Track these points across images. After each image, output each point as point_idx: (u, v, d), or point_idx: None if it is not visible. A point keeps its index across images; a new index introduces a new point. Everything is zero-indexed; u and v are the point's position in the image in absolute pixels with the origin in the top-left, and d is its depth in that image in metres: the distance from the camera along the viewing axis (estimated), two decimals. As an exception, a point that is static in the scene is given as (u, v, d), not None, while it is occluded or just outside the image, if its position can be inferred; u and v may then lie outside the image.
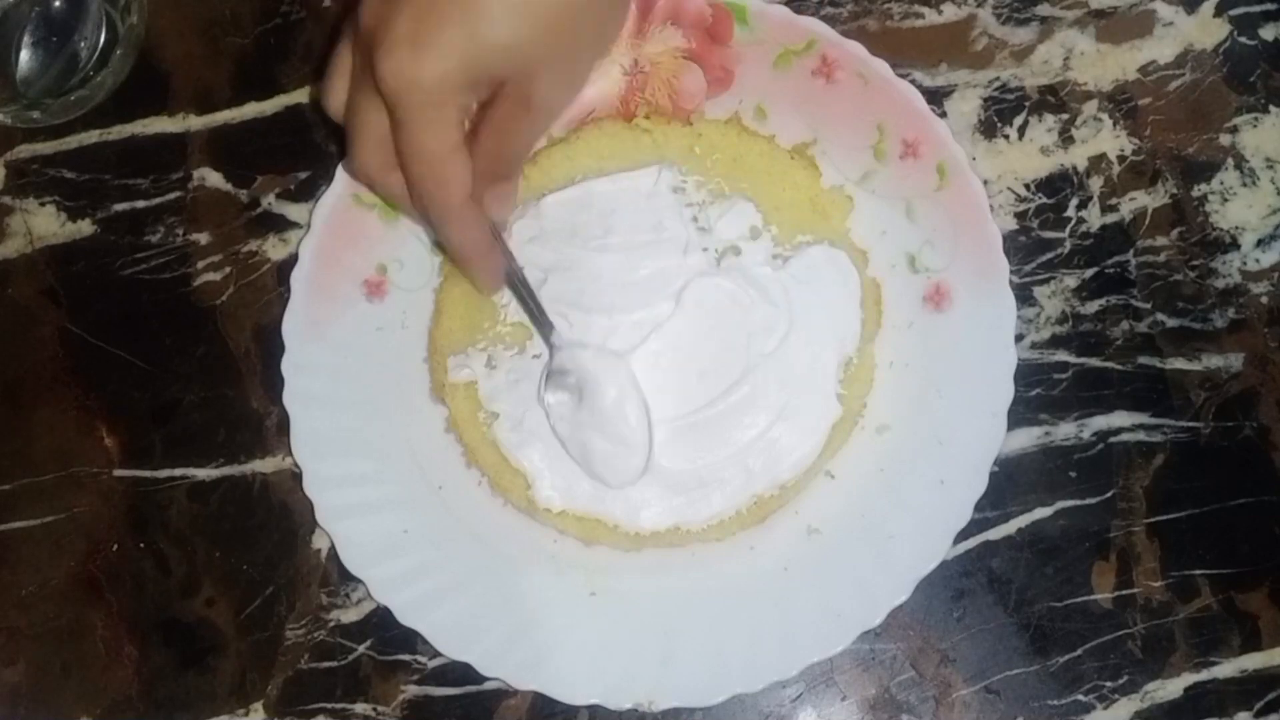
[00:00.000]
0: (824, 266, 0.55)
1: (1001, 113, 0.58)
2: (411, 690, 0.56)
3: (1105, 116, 0.58)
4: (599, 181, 0.55)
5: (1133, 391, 0.57)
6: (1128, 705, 0.55)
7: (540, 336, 0.54)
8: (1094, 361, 0.57)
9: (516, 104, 0.46)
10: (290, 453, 0.54)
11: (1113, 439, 0.57)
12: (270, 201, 0.59)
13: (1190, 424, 0.57)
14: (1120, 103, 0.58)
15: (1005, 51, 0.59)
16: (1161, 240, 0.58)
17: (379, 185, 0.48)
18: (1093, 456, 0.56)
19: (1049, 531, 0.56)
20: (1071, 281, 0.58)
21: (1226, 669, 0.55)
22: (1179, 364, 0.57)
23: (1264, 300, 0.57)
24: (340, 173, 0.54)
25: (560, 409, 0.54)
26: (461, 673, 0.53)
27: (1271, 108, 0.58)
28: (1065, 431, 0.57)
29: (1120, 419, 0.57)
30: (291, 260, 0.55)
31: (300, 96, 0.59)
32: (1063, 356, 0.57)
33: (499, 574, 0.54)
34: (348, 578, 0.55)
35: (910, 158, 0.55)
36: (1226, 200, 0.58)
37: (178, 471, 0.58)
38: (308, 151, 0.59)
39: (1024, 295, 0.57)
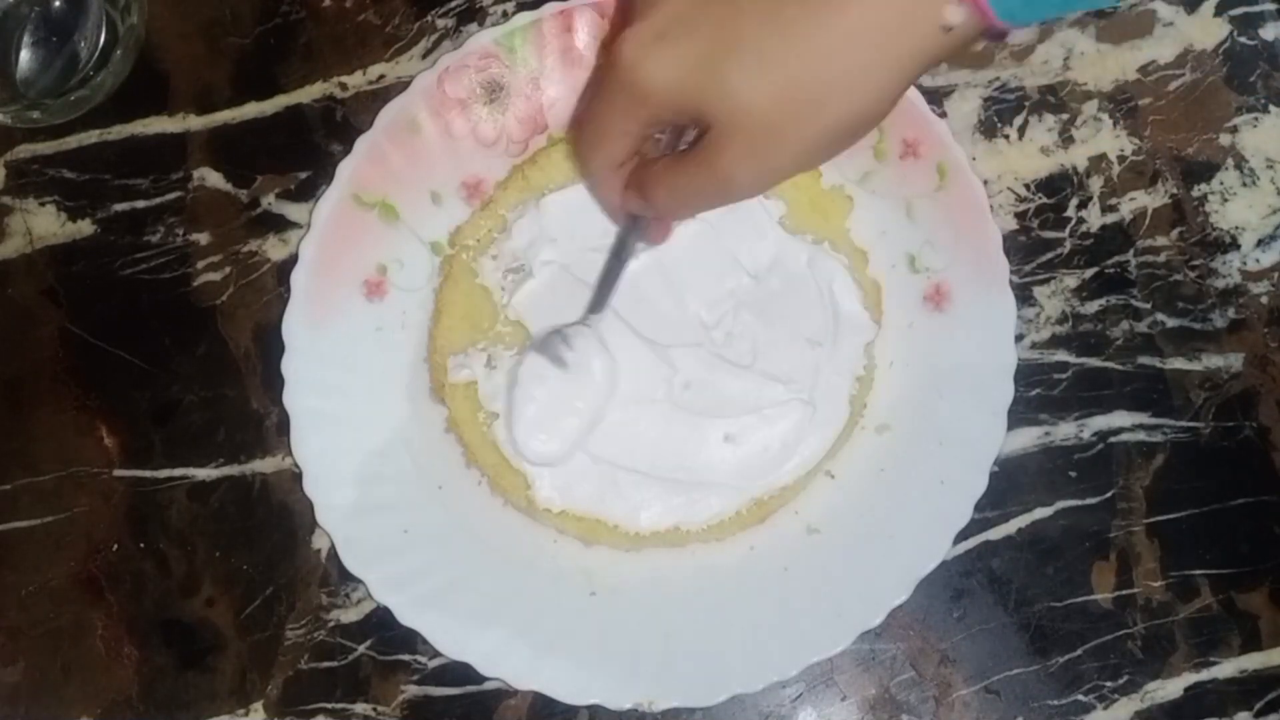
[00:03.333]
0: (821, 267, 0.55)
1: (1001, 113, 0.58)
2: (411, 690, 0.56)
3: (1105, 116, 0.58)
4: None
5: (1133, 391, 0.57)
6: (1128, 705, 0.55)
7: (589, 305, 0.53)
8: (1094, 361, 0.57)
9: (704, 163, 0.43)
10: (290, 453, 0.54)
11: (1113, 439, 0.57)
12: (270, 201, 0.59)
13: (1190, 424, 0.57)
14: (1120, 103, 0.58)
15: (1005, 51, 0.59)
16: (1161, 240, 0.58)
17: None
18: (1093, 456, 0.57)
19: (1049, 531, 0.56)
20: (1071, 281, 0.58)
21: (1226, 669, 0.55)
22: (1179, 364, 0.57)
23: (1264, 300, 0.57)
24: (340, 172, 0.54)
25: (539, 367, 0.53)
26: (461, 673, 0.53)
27: (1271, 108, 0.58)
28: (1065, 431, 0.57)
29: (1120, 419, 0.57)
30: (291, 260, 0.55)
31: (300, 96, 0.59)
32: (1063, 356, 0.57)
33: (499, 574, 0.54)
34: (348, 578, 0.55)
35: (910, 158, 0.55)
36: (1226, 200, 0.58)
37: (178, 471, 0.58)
38: (308, 151, 0.59)
39: (1024, 295, 0.57)
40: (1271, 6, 0.59)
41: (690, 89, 0.42)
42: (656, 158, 0.47)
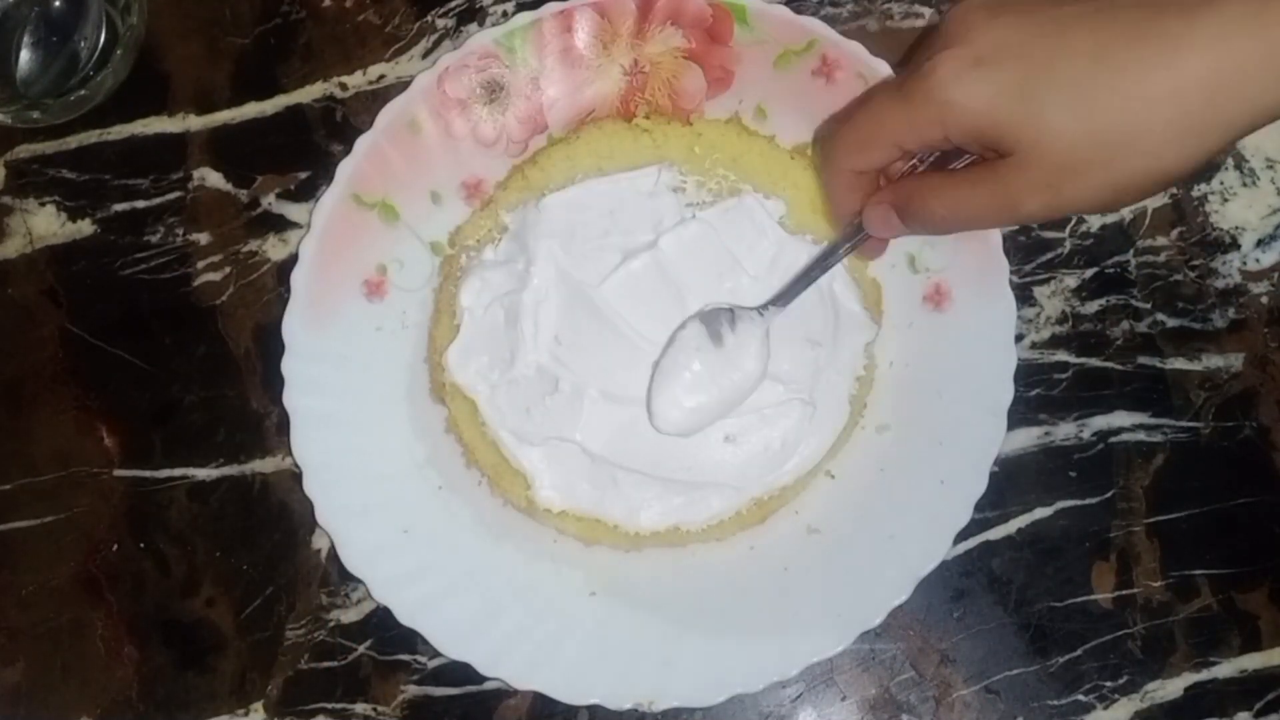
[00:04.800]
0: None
1: (1001, 113, 0.58)
2: (411, 690, 0.56)
3: (1105, 116, 0.58)
4: (599, 181, 0.55)
5: (1133, 391, 0.57)
6: (1128, 705, 0.55)
7: (773, 297, 0.53)
8: (1094, 361, 0.57)
9: (995, 186, 0.43)
10: (290, 453, 0.54)
11: (1113, 439, 0.57)
12: (270, 201, 0.59)
13: (1190, 424, 0.57)
14: (1120, 103, 0.58)
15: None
16: (1161, 240, 0.58)
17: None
18: (1093, 456, 0.57)
19: (1049, 531, 0.56)
20: (1071, 281, 0.58)
21: (1226, 669, 0.55)
22: (1179, 364, 0.57)
23: (1264, 300, 0.57)
24: (340, 172, 0.54)
25: (697, 338, 0.53)
26: (461, 673, 0.53)
27: (1271, 108, 0.58)
28: (1065, 431, 0.57)
29: (1120, 419, 0.57)
30: (291, 260, 0.55)
31: (300, 96, 0.59)
32: (1063, 356, 0.57)
33: (499, 574, 0.54)
34: (348, 578, 0.55)
35: (910, 158, 0.55)
36: (1226, 200, 0.58)
37: (178, 471, 0.58)
38: (308, 151, 0.59)
39: (1024, 295, 0.57)
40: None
41: (1001, 113, 0.42)
42: (922, 173, 0.47)
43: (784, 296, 0.53)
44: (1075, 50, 0.41)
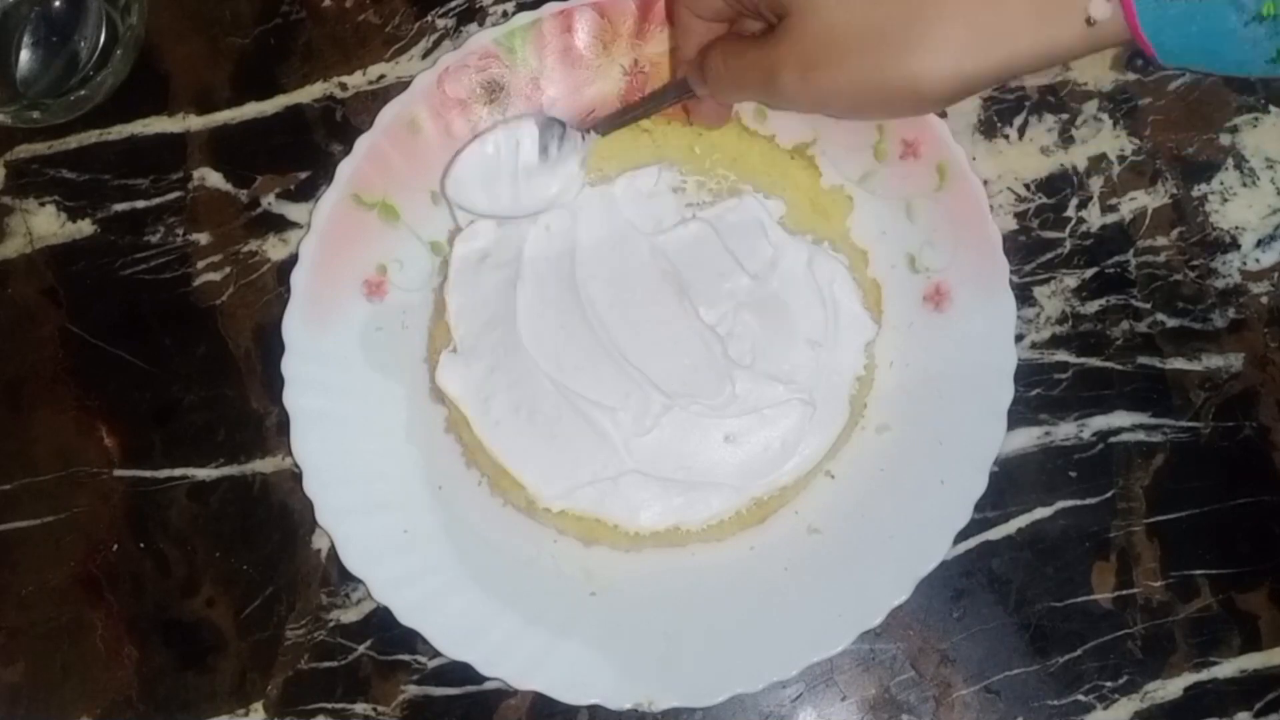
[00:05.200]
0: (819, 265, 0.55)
1: (1001, 113, 0.58)
2: (411, 690, 0.56)
3: (1105, 116, 0.58)
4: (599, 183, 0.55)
5: (1133, 391, 0.57)
6: (1128, 705, 0.55)
7: (598, 124, 0.54)
8: (1094, 361, 0.57)
9: (760, 52, 0.43)
10: (290, 453, 0.54)
11: (1113, 439, 0.57)
12: (270, 201, 0.59)
13: (1190, 424, 0.57)
14: (1120, 103, 0.58)
15: (1005, 51, 0.59)
16: (1161, 240, 0.58)
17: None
18: (1093, 456, 0.57)
19: (1049, 531, 0.56)
20: (1071, 281, 0.58)
21: (1226, 669, 0.55)
22: (1179, 364, 0.57)
23: (1264, 300, 0.57)
24: (340, 172, 0.54)
25: (527, 132, 0.53)
26: (461, 673, 0.53)
27: (1271, 108, 0.58)
28: (1065, 431, 0.57)
29: (1120, 419, 0.57)
30: (291, 260, 0.55)
31: (300, 96, 0.59)
32: (1063, 356, 0.57)
33: (499, 574, 0.54)
34: (348, 578, 0.55)
35: (910, 158, 0.54)
36: (1226, 200, 0.58)
37: (178, 471, 0.58)
38: (308, 151, 0.59)
39: (1024, 295, 0.57)
40: (1271, 6, 0.59)
41: None
42: (726, 34, 0.47)
43: (604, 124, 0.53)
44: None
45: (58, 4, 0.56)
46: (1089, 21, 0.37)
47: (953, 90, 0.40)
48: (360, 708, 0.56)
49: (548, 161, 0.52)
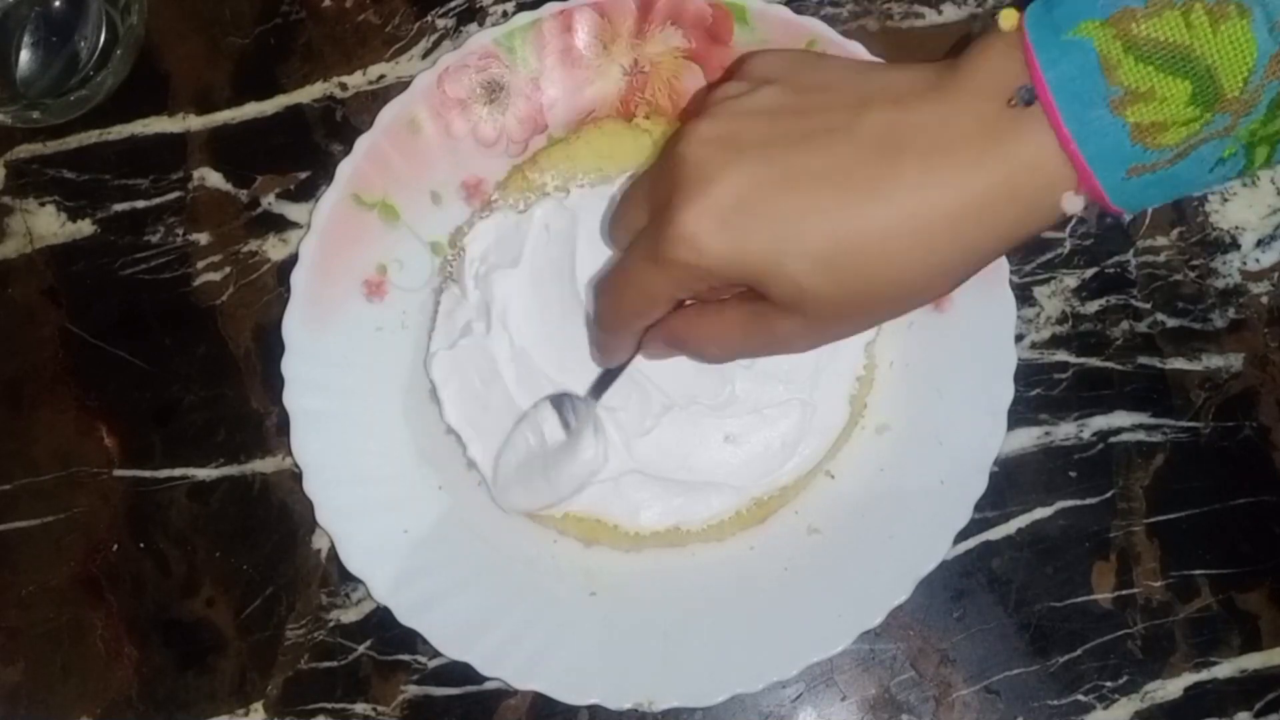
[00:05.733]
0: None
1: (1001, 113, 0.58)
2: (411, 690, 0.56)
3: (1105, 116, 0.58)
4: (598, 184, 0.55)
5: (1133, 391, 0.57)
6: (1128, 705, 0.55)
7: (591, 389, 0.53)
8: (1094, 361, 0.57)
9: (759, 323, 0.43)
10: (290, 453, 0.54)
11: (1113, 439, 0.57)
12: (270, 201, 0.59)
13: (1190, 424, 0.57)
14: (1120, 103, 0.58)
15: (1005, 51, 0.59)
16: (1161, 240, 0.58)
17: (618, 249, 0.49)
18: (1093, 456, 0.57)
19: (1049, 531, 0.56)
20: (1071, 281, 0.58)
21: (1226, 669, 0.55)
22: (1179, 364, 0.57)
23: (1264, 300, 0.57)
24: (340, 172, 0.54)
25: (545, 421, 0.53)
26: (461, 673, 0.53)
27: (1271, 108, 0.58)
28: (1065, 431, 0.57)
29: (1120, 419, 0.57)
30: (291, 260, 0.55)
31: (300, 96, 0.59)
32: (1063, 356, 0.57)
33: (499, 574, 0.54)
34: (348, 578, 0.55)
35: (910, 158, 0.54)
36: (1226, 200, 0.58)
37: (178, 471, 0.58)
38: (308, 151, 0.59)
39: (1024, 295, 0.57)
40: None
41: (756, 267, 0.41)
42: (691, 310, 0.46)
43: (596, 389, 0.52)
44: (819, 201, 0.40)
45: (58, 4, 0.56)
46: (1062, 214, 0.39)
47: (949, 286, 0.42)
48: (360, 708, 0.56)
49: (571, 432, 0.53)
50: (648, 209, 0.44)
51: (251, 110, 0.60)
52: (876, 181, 0.39)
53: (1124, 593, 0.56)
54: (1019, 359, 0.53)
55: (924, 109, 0.40)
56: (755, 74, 0.44)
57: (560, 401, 0.53)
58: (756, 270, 0.41)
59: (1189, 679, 0.55)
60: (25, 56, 0.56)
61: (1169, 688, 0.55)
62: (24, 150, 0.60)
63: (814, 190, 0.40)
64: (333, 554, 0.54)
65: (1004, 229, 0.39)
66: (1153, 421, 0.57)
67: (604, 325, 0.49)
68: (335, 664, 0.56)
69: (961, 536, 0.53)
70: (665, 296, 0.44)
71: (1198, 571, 0.56)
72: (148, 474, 0.58)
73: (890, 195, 0.39)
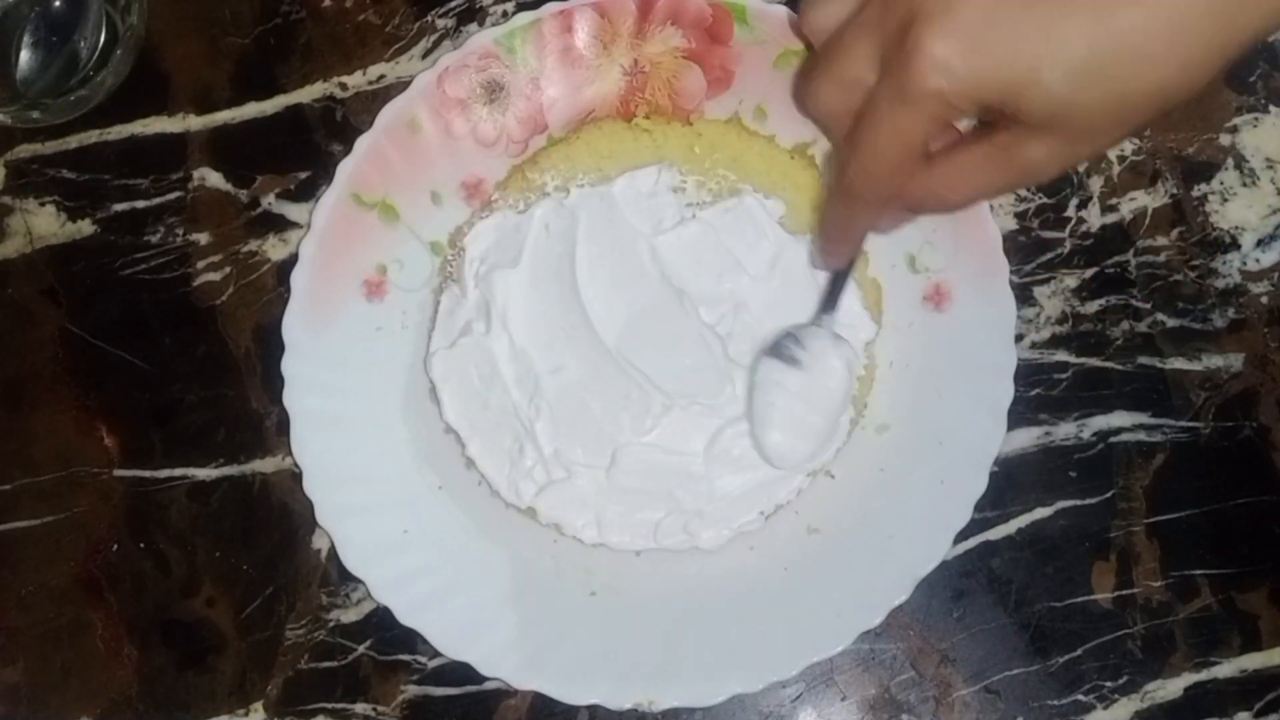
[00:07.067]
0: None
1: (1001, 113, 0.58)
2: (411, 690, 0.56)
3: (1105, 116, 0.58)
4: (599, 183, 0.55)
5: (1133, 391, 0.57)
6: (1128, 705, 0.55)
7: (820, 305, 0.53)
8: (1094, 361, 0.57)
9: (1006, 152, 0.42)
10: (290, 453, 0.54)
11: (1113, 439, 0.57)
12: (270, 201, 0.59)
13: (1190, 424, 0.57)
14: (1120, 103, 0.58)
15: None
16: (1161, 240, 0.58)
17: (821, 114, 0.46)
18: (1093, 456, 0.57)
19: (1049, 531, 0.56)
20: (1071, 281, 0.58)
21: (1226, 669, 0.55)
22: (1179, 364, 0.57)
23: (1264, 300, 0.57)
24: (340, 172, 0.54)
25: (774, 372, 0.53)
26: (461, 673, 0.53)
27: (1271, 108, 0.58)
28: (1065, 431, 0.57)
29: (1120, 419, 0.57)
30: (291, 260, 0.55)
31: (300, 96, 0.59)
32: (1063, 356, 0.57)
33: (499, 574, 0.54)
34: (348, 578, 0.55)
35: (910, 157, 0.54)
36: (1226, 200, 0.58)
37: (178, 471, 0.58)
38: (308, 151, 0.59)
39: (1024, 295, 0.57)
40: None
41: (1011, 87, 0.39)
42: (927, 167, 0.44)
43: (829, 303, 0.53)
44: (1070, 8, 0.38)
45: (58, 4, 0.56)
46: None
47: (1206, 79, 0.40)
48: (360, 708, 0.56)
49: (810, 361, 0.53)
50: (874, 56, 0.42)
51: (251, 110, 0.60)
52: None
53: (1124, 593, 0.56)
54: (1019, 359, 0.53)
55: None
56: None
57: (780, 347, 0.53)
58: (1013, 89, 0.39)
59: (1189, 679, 0.55)
60: (25, 56, 0.56)
61: (1169, 688, 0.55)
62: (24, 150, 0.60)
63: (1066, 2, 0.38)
64: (333, 554, 0.54)
65: (1259, 18, 0.38)
66: (1153, 421, 0.57)
67: (856, 191, 0.45)
68: (335, 664, 0.56)
69: (961, 536, 0.53)
70: (919, 138, 0.42)
71: (1198, 571, 0.56)
72: (148, 474, 0.58)
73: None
